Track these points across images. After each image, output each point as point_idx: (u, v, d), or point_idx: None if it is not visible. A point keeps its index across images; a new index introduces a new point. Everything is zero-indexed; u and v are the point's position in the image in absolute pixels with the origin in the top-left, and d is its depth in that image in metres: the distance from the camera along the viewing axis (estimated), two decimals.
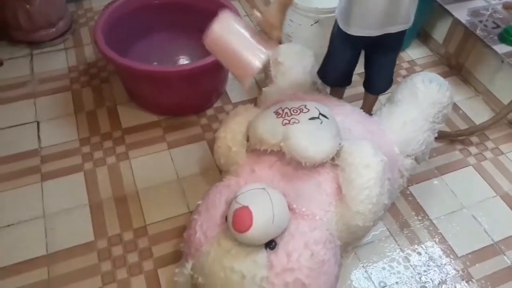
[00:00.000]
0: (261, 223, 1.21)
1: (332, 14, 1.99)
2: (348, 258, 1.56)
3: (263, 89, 1.90)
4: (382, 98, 1.93)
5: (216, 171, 1.74)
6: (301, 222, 1.32)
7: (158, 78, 1.75)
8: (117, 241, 1.56)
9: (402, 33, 1.59)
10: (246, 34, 1.35)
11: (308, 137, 1.39)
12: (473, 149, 1.94)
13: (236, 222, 1.22)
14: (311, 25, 2.05)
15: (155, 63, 1.98)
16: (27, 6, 2.10)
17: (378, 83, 1.81)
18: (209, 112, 2.00)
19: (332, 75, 1.83)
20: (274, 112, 1.48)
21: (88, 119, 1.94)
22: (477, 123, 2.02)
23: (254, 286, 1.23)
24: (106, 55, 1.72)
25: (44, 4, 2.15)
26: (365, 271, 1.54)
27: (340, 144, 1.42)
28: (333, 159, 1.42)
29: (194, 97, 1.94)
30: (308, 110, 1.46)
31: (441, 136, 1.94)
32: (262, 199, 1.25)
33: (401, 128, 1.61)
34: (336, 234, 1.38)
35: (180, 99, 1.93)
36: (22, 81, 2.08)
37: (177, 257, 1.47)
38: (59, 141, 1.84)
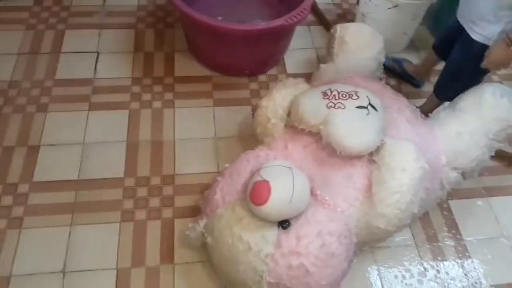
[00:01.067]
0: (278, 200, 1.18)
1: (413, 1, 1.86)
2: (363, 255, 1.50)
3: (321, 65, 1.82)
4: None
5: (253, 139, 1.70)
6: (321, 210, 1.28)
7: (216, 33, 1.72)
8: (144, 182, 1.60)
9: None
10: None
11: (350, 126, 1.33)
12: None
13: (253, 194, 1.20)
14: (388, 8, 1.91)
15: (219, 18, 1.95)
16: None
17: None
18: (262, 78, 1.97)
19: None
20: (322, 92, 1.42)
21: (145, 60, 1.97)
22: None
23: (258, 260, 1.22)
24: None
25: None
26: (378, 274, 1.48)
27: (382, 140, 1.34)
28: (371, 154, 1.35)
29: (249, 60, 1.91)
30: (358, 97, 1.38)
31: (499, 156, 1.79)
32: (284, 177, 1.22)
33: (454, 138, 1.49)
34: (354, 231, 1.32)
35: (235, 59, 1.90)
36: (93, 11, 2.14)
37: (195, 212, 1.49)
38: (113, 76, 1.90)
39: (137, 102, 1.82)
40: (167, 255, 1.45)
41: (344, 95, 1.39)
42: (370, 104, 1.37)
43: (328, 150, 1.37)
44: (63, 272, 1.39)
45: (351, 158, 1.35)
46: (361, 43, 1.76)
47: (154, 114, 1.79)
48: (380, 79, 1.79)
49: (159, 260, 1.44)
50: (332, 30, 1.83)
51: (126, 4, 2.18)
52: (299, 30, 2.15)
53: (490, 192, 1.72)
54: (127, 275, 1.40)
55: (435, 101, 1.76)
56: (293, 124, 1.44)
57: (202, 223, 1.36)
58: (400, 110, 1.53)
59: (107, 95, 1.83)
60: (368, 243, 1.40)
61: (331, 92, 1.41)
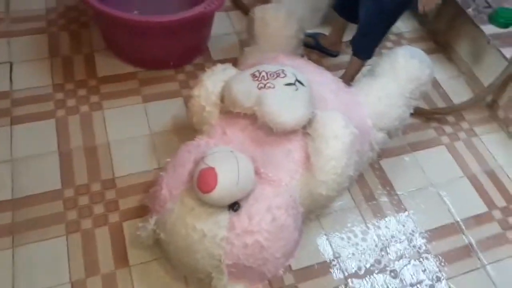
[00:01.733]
0: (226, 185, 1.22)
1: None
2: (310, 225, 1.59)
3: (245, 48, 1.86)
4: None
5: (189, 129, 1.70)
6: (266, 187, 1.34)
7: (136, 28, 1.70)
8: (84, 191, 1.56)
9: None
10: None
11: (282, 103, 1.38)
12: (448, 129, 1.96)
13: (200, 182, 1.22)
14: None
15: (136, 12, 1.91)
16: None
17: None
18: (188, 68, 1.97)
19: None
20: (251, 74, 1.45)
21: (64, 65, 1.88)
22: (456, 103, 2.04)
23: (214, 245, 1.25)
24: None
25: None
26: (327, 239, 1.57)
27: (313, 113, 1.41)
28: (305, 127, 1.42)
29: (172, 51, 1.90)
30: (285, 75, 1.44)
31: (418, 113, 1.94)
32: (228, 161, 1.25)
33: (376, 101, 1.61)
34: (299, 201, 1.40)
35: (158, 52, 1.88)
36: None
37: (143, 211, 1.48)
38: (32, 85, 1.80)
39: (62, 109, 1.75)
40: (121, 259, 1.43)
41: (272, 75, 1.44)
42: (297, 80, 1.43)
43: (265, 130, 1.42)
44: None
45: (287, 134, 1.42)
46: (280, 23, 1.81)
47: (82, 119, 1.73)
48: (302, 55, 1.87)
49: (114, 266, 1.41)
50: (251, 13, 1.87)
51: (33, 9, 2.06)
52: (219, 17, 2.16)
53: (414, 147, 1.88)
54: (83, 287, 1.37)
55: (357, 62, 1.87)
56: (228, 109, 1.48)
57: (152, 220, 1.36)
58: (324, 83, 1.61)
59: (29, 106, 1.74)
60: (314, 211, 1.48)
61: (260, 73, 1.45)
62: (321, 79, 1.62)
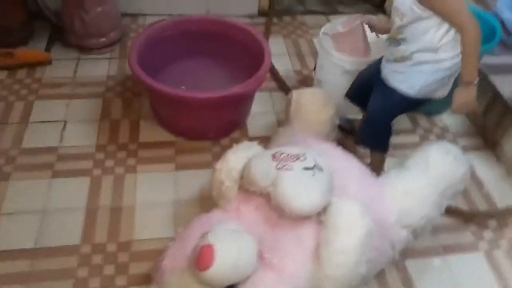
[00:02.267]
0: (222, 266, 1.20)
1: (363, 66, 1.98)
2: None
3: (279, 128, 1.90)
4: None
5: (213, 202, 1.75)
6: (269, 273, 1.29)
7: (175, 101, 1.81)
8: (100, 249, 1.60)
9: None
10: None
11: (297, 187, 1.36)
12: (488, 234, 1.79)
13: (198, 259, 1.21)
14: (341, 74, 2.03)
15: (183, 87, 2.05)
16: (84, 14, 2.27)
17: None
18: (224, 141, 2.03)
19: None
20: (272, 154, 1.47)
21: (111, 128, 2.04)
22: (501, 206, 1.88)
23: None
24: (133, 70, 1.82)
25: (100, 15, 2.32)
26: None
27: (329, 200, 1.38)
28: (319, 214, 1.38)
29: (210, 125, 1.99)
30: (305, 158, 1.43)
31: (455, 214, 1.82)
32: (230, 241, 1.24)
33: (403, 195, 1.53)
34: None
35: (198, 124, 1.98)
36: (64, 82, 2.24)
37: (150, 279, 1.47)
38: (79, 144, 1.95)
39: (99, 168, 1.86)
40: None
41: (292, 157, 1.44)
42: (316, 164, 1.42)
43: (278, 212, 1.39)
44: None
45: (301, 219, 1.39)
46: (315, 107, 1.85)
47: (115, 180, 1.83)
48: (336, 140, 1.86)
49: None
50: (288, 95, 1.94)
51: (96, 75, 2.29)
52: (261, 96, 2.25)
53: (447, 249, 1.73)
54: None
55: (375, 155, 1.83)
56: (246, 187, 1.49)
57: None
58: (349, 170, 1.58)
59: (70, 163, 1.87)
60: None
61: (281, 154, 1.46)
62: (346, 166, 1.60)
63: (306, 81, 2.39)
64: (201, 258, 1.20)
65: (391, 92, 1.64)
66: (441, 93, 1.65)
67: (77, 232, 1.64)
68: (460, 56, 1.52)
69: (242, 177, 1.52)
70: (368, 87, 1.78)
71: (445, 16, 1.47)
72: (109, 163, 1.89)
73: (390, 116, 1.72)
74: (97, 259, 1.58)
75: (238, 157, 1.58)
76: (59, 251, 1.58)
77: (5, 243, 1.59)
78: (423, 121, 2.26)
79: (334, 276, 1.28)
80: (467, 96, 1.54)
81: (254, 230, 1.39)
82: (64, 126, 2.02)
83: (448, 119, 2.27)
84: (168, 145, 2.00)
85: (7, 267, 1.52)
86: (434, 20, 1.49)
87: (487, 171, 2.04)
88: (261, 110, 2.21)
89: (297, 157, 1.45)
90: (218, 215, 1.47)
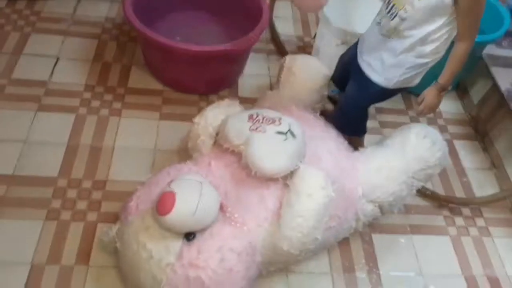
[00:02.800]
0: (181, 211, 1.23)
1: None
2: (275, 278, 1.53)
3: (267, 91, 1.90)
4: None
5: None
6: (227, 227, 1.33)
7: (165, 51, 1.81)
8: (75, 184, 1.65)
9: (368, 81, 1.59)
10: None
11: (266, 149, 1.38)
12: (459, 221, 1.81)
13: (159, 203, 1.25)
14: (337, 45, 2.00)
15: (178, 38, 2.04)
16: None
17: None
18: (212, 98, 2.03)
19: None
20: (249, 115, 1.48)
21: (102, 70, 2.04)
22: (478, 196, 1.89)
23: (158, 269, 1.26)
24: (126, 14, 1.81)
25: None
26: None
27: (296, 166, 1.39)
28: (286, 178, 1.40)
29: (199, 79, 1.98)
30: (280, 123, 1.45)
31: (431, 197, 1.84)
32: (192, 190, 1.27)
33: (375, 171, 1.55)
34: (261, 250, 1.36)
35: (186, 77, 1.98)
36: (62, 18, 2.23)
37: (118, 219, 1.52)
38: (68, 81, 1.96)
39: (85, 107, 1.88)
40: (84, 256, 1.48)
41: (268, 120, 1.46)
42: (289, 130, 1.43)
43: (247, 171, 1.41)
44: None
45: (268, 180, 1.41)
46: (305, 75, 1.83)
47: (99, 121, 1.85)
48: (320, 111, 1.86)
49: (75, 261, 1.46)
50: (282, 60, 1.92)
51: (95, 15, 2.28)
52: (257, 57, 2.24)
53: (415, 229, 1.75)
54: (40, 271, 1.42)
55: (355, 138, 1.81)
56: (219, 143, 1.51)
57: (114, 228, 1.41)
58: (324, 141, 1.59)
59: (58, 98, 1.89)
60: (275, 264, 1.43)
61: (257, 116, 1.47)
62: (322, 137, 1.61)
63: (305, 49, 2.35)
64: (161, 203, 1.23)
65: (367, 83, 1.59)
66: (417, 81, 1.60)
67: (56, 166, 1.68)
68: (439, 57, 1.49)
69: (217, 133, 1.54)
70: (348, 72, 1.75)
71: (464, 15, 1.36)
72: (95, 103, 1.91)
73: (363, 106, 1.71)
74: (71, 193, 1.62)
75: (217, 113, 1.59)
76: (36, 181, 1.63)
77: None
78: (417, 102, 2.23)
79: (290, 237, 1.31)
80: (436, 100, 1.52)
81: (221, 185, 1.42)
82: (56, 62, 2.03)
83: (443, 105, 2.23)
84: (155, 93, 2.01)
85: None
86: (448, 15, 1.38)
87: (472, 161, 2.04)
88: (255, 71, 2.19)
89: (272, 121, 1.46)
90: (188, 167, 1.50)
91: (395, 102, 2.19)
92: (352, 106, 1.70)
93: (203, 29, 2.18)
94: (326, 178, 1.36)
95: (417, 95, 2.02)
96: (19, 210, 1.55)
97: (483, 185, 1.95)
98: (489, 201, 1.83)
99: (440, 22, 1.39)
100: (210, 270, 1.25)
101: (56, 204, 1.59)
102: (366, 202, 1.54)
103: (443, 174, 1.94)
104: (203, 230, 1.30)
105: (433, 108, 1.56)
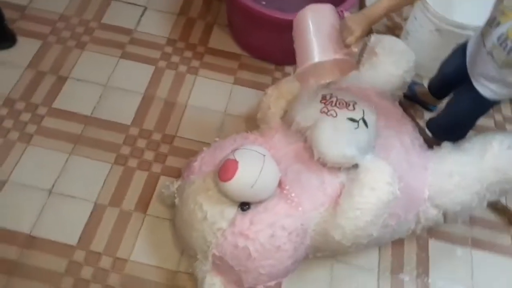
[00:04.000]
0: (241, 181, 1.24)
1: (456, 30, 1.79)
2: (321, 264, 1.52)
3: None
4: None
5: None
6: (282, 203, 1.32)
7: (247, 14, 1.77)
8: (146, 135, 1.71)
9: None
10: (329, 32, 1.28)
11: (334, 135, 1.34)
12: None
13: (221, 169, 1.26)
14: (430, 31, 1.86)
15: (263, 2, 1.99)
16: None
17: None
18: (288, 69, 2.00)
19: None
20: (322, 95, 1.43)
21: (185, 25, 2.07)
22: None
23: (210, 231, 1.29)
24: None
25: None
26: (328, 287, 1.49)
27: (364, 157, 1.34)
28: (350, 168, 1.36)
29: (278, 47, 1.93)
30: (354, 109, 1.39)
31: (503, 211, 1.71)
32: (255, 162, 1.27)
33: (446, 175, 1.46)
34: (311, 234, 1.35)
35: (265, 44, 1.95)
36: None
37: (181, 174, 1.57)
38: (152, 32, 2.01)
39: (165, 61, 1.93)
40: (143, 205, 1.56)
41: (341, 104, 1.40)
42: (363, 119, 1.37)
43: (311, 153, 1.39)
44: (50, 191, 1.55)
45: (330, 167, 1.37)
46: (389, 58, 1.73)
47: (176, 76, 1.89)
48: (396, 99, 1.76)
49: (134, 207, 1.55)
50: (366, 39, 1.82)
51: None
52: None
53: (477, 244, 1.64)
54: (102, 211, 1.53)
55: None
56: (288, 120, 1.48)
57: (176, 184, 1.46)
58: (399, 134, 1.50)
59: (141, 48, 1.95)
60: (323, 251, 1.41)
61: (330, 97, 1.42)
62: (397, 129, 1.52)
63: (394, 30, 2.21)
64: (223, 170, 1.25)
65: (482, 100, 1.45)
66: None
67: (130, 114, 1.76)
68: None
69: (287, 109, 1.51)
70: (450, 84, 1.64)
71: None
72: (175, 59, 1.95)
73: (475, 120, 1.59)
74: (141, 143, 1.69)
75: (291, 87, 1.56)
76: (110, 125, 1.72)
77: (66, 104, 1.75)
78: (505, 106, 2.05)
79: (344, 228, 1.29)
80: (356, 21, 1.24)
81: (283, 161, 1.40)
82: (144, 12, 2.07)
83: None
84: (233, 57, 2.00)
85: (64, 125, 1.69)
86: None
87: None
88: None
89: (346, 105, 1.40)
90: (254, 137, 1.50)
91: None
92: (463, 121, 1.60)
93: None
94: (393, 174, 1.30)
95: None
96: (92, 150, 1.65)
97: None
98: None
99: None
100: (258, 243, 1.27)
101: (125, 150, 1.67)
102: (431, 206, 1.46)
103: None
104: (259, 202, 1.31)
105: (350, 30, 1.24)
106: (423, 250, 1.61)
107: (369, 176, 1.30)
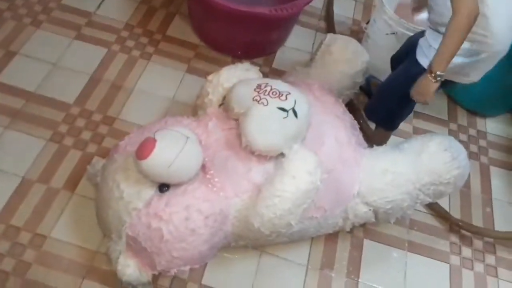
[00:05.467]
0: (157, 160, 1.20)
1: (411, 33, 1.77)
2: (248, 255, 1.49)
3: (296, 67, 1.81)
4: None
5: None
6: (202, 187, 1.29)
7: (205, 4, 1.76)
8: (86, 115, 1.69)
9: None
10: None
11: (262, 124, 1.31)
12: (466, 252, 1.64)
13: (138, 148, 1.23)
14: (386, 34, 1.84)
15: None
16: None
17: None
18: (245, 63, 1.96)
19: None
20: (257, 84, 1.41)
21: (146, 12, 2.06)
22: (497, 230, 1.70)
23: (125, 211, 1.26)
24: None
25: None
26: (252, 280, 1.45)
27: (291, 147, 1.31)
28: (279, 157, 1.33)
29: (235, 40, 1.93)
30: (286, 99, 1.36)
31: (443, 217, 1.68)
32: (174, 143, 1.23)
33: (379, 173, 1.43)
34: (232, 221, 1.32)
35: (222, 35, 1.94)
36: None
37: None
38: (109, 16, 2.00)
39: (118, 45, 1.91)
40: (72, 184, 1.53)
41: (274, 93, 1.37)
42: (293, 108, 1.34)
43: (241, 140, 1.36)
44: None
45: (260, 155, 1.35)
46: (342, 57, 1.72)
47: (128, 60, 1.88)
48: (345, 98, 1.74)
49: (62, 185, 1.52)
50: (322, 38, 1.81)
51: None
52: (304, 32, 2.15)
53: (413, 247, 1.61)
54: (29, 186, 1.50)
55: (380, 131, 1.68)
56: (226, 107, 1.46)
57: (100, 162, 1.43)
58: (335, 128, 1.48)
59: (95, 30, 1.94)
60: (245, 239, 1.38)
61: (265, 86, 1.39)
62: (333, 124, 1.50)
63: (358, 34, 2.21)
64: (140, 148, 1.22)
65: (413, 64, 1.45)
66: (466, 78, 1.44)
67: (74, 94, 1.74)
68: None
69: (225, 96, 1.49)
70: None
71: None
72: (130, 43, 1.93)
73: (401, 89, 1.50)
74: (80, 122, 1.67)
75: (231, 75, 1.53)
76: (52, 103, 1.69)
77: (11, 78, 1.73)
78: (462, 115, 2.03)
79: (262, 215, 1.25)
80: (424, 85, 1.33)
81: (213, 146, 1.38)
82: None
83: (492, 125, 2.02)
84: (190, 46, 1.99)
85: (2, 98, 1.67)
86: None
87: (504, 193, 1.82)
88: (298, 45, 2.10)
89: (279, 94, 1.37)
90: (188, 121, 1.47)
91: (438, 109, 2.02)
92: (389, 88, 1.57)
93: None
94: (316, 164, 1.28)
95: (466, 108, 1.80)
96: (28, 126, 1.62)
97: (508, 221, 1.74)
98: (508, 238, 1.64)
99: None
100: (172, 225, 1.23)
101: (63, 129, 1.64)
102: (361, 203, 1.42)
103: (465, 197, 1.77)
104: (178, 185, 1.28)
105: (422, 94, 1.36)
106: (356, 249, 1.57)
107: (292, 164, 1.27)
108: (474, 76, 1.44)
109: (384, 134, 1.70)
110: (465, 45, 1.29)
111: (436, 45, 1.32)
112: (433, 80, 1.31)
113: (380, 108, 1.62)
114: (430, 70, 1.31)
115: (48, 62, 1.80)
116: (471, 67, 1.40)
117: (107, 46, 1.90)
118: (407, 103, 1.56)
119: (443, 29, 1.29)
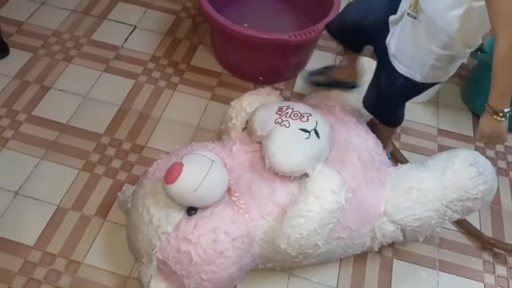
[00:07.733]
0: (184, 185, 1.24)
1: None
2: (278, 278, 1.49)
3: (317, 90, 1.84)
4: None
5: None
6: (229, 210, 1.32)
7: (225, 33, 1.83)
8: (116, 144, 1.76)
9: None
10: None
11: (284, 145, 1.35)
12: (501, 270, 1.60)
13: (166, 172, 1.28)
14: None
15: (245, 25, 2.05)
16: None
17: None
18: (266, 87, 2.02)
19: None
20: (279, 107, 1.45)
21: (171, 44, 2.15)
22: None
23: (155, 235, 1.30)
24: None
25: None
26: None
27: (314, 167, 1.33)
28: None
29: (256, 67, 1.99)
30: (307, 120, 1.40)
31: (476, 236, 1.65)
32: (201, 167, 1.28)
33: (405, 191, 1.43)
34: (259, 243, 1.34)
35: (244, 63, 2.00)
36: None
37: None
38: (138, 49, 2.10)
39: (145, 76, 2.00)
40: (103, 211, 1.58)
41: (295, 115, 1.41)
42: (314, 129, 1.37)
43: (265, 162, 1.39)
44: (16, 192, 1.59)
45: (283, 176, 1.37)
46: (365, 79, 1.74)
47: (154, 90, 1.95)
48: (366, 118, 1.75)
49: (94, 212, 1.57)
50: (341, 60, 1.85)
51: None
52: (324, 55, 2.19)
53: (444, 266, 1.58)
54: (63, 214, 1.56)
55: (383, 126, 1.66)
56: (249, 130, 1.50)
57: (131, 189, 1.48)
58: (358, 148, 1.49)
59: (124, 64, 2.03)
60: (272, 261, 1.38)
61: (286, 108, 1.44)
62: (356, 144, 1.51)
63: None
64: (168, 172, 1.26)
65: (394, 76, 1.39)
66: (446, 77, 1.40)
67: (105, 124, 1.81)
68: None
69: (248, 121, 1.53)
70: (360, 34, 1.51)
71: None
72: (156, 74, 2.01)
73: (395, 100, 1.53)
74: (110, 151, 1.74)
75: (253, 100, 1.59)
76: (84, 134, 1.77)
77: (45, 112, 1.82)
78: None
79: (289, 236, 1.27)
80: (490, 126, 1.20)
81: (237, 169, 1.42)
82: (133, 31, 2.17)
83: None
84: (213, 75, 2.06)
85: (37, 131, 1.76)
86: None
87: None
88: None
89: (300, 116, 1.41)
90: (213, 146, 1.51)
91: (463, 125, 2.00)
92: (389, 97, 1.51)
93: (275, 18, 2.18)
94: (340, 183, 1.29)
95: None
96: (62, 156, 1.70)
97: None
98: None
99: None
100: (200, 248, 1.26)
101: (94, 158, 1.71)
102: (388, 222, 1.42)
103: (495, 214, 1.73)
104: (205, 207, 1.31)
105: (490, 135, 1.24)
106: (386, 269, 1.55)
107: (315, 184, 1.29)
108: (451, 72, 1.40)
109: (388, 131, 1.68)
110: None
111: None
112: (503, 119, 1.17)
113: (381, 106, 1.59)
114: (490, 108, 1.16)
115: (80, 95, 1.90)
116: (453, 67, 1.37)
117: (135, 78, 1.99)
118: (404, 101, 1.57)
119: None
